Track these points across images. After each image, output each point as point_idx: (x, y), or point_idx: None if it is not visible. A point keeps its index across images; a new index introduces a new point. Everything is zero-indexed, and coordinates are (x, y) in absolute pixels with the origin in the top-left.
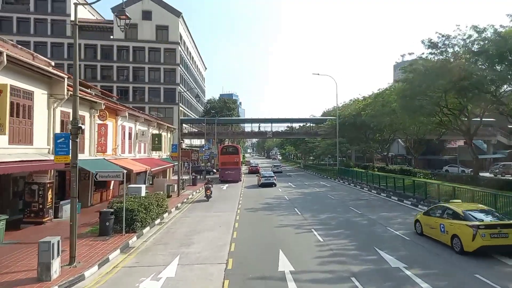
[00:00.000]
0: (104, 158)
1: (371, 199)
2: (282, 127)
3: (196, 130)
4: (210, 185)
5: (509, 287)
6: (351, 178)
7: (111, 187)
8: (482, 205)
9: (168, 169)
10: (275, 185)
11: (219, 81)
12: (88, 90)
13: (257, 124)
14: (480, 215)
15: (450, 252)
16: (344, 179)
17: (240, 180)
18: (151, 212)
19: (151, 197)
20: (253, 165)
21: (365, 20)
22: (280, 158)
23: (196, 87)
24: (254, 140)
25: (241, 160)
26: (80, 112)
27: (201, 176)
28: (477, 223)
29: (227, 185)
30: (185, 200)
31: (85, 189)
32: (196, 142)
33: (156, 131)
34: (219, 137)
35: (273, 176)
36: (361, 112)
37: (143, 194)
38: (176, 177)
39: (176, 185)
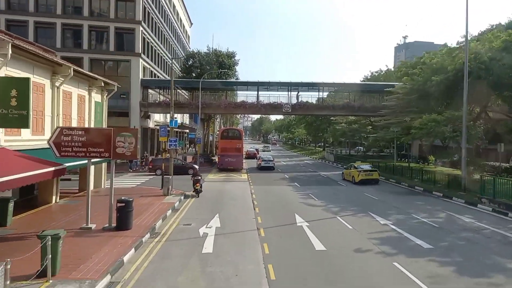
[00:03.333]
0: None
1: None
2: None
3: (168, 100)
4: (199, 177)
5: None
6: None
7: None
8: (367, 163)
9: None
10: (274, 169)
11: (207, 39)
12: None
13: (267, 94)
14: (363, 167)
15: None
16: None
17: (242, 168)
18: None
19: None
20: (251, 149)
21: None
22: (283, 143)
23: (173, 40)
24: (248, 121)
25: (244, 145)
26: None
27: (163, 186)
28: (360, 169)
29: (221, 215)
30: None
31: None
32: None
33: (15, 72)
34: (206, 111)
35: (272, 160)
36: None
37: None
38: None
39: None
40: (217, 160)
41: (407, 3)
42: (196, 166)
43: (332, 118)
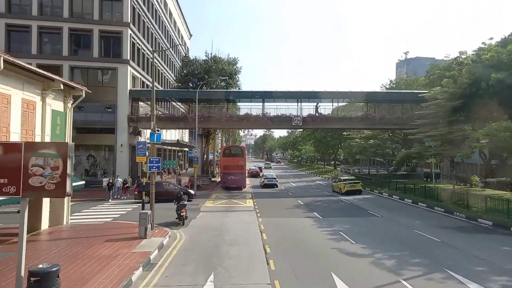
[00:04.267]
0: None
1: None
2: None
3: (161, 113)
4: (184, 202)
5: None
6: None
7: None
8: (352, 176)
9: None
10: (277, 186)
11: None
12: None
13: (274, 106)
14: (348, 180)
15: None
16: None
17: (245, 187)
18: None
19: None
20: (254, 168)
21: (365, 17)
22: (288, 161)
23: (170, 49)
24: (251, 139)
25: (246, 163)
26: None
27: (140, 224)
28: (346, 182)
29: (217, 277)
30: None
31: None
32: (171, 135)
33: None
34: (204, 126)
35: (275, 178)
36: None
37: None
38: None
39: None
40: (219, 178)
41: (407, 17)
42: (192, 191)
43: (344, 133)
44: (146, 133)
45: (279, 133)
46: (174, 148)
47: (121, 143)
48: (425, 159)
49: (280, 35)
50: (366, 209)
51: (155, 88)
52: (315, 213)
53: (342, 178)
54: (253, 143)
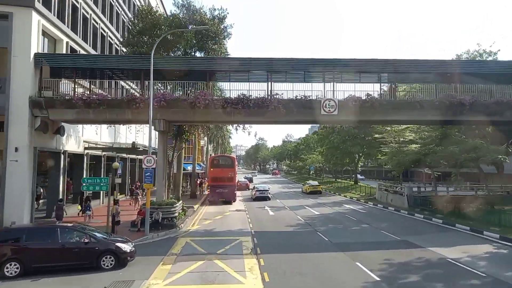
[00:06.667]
0: None
1: None
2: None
3: (86, 95)
4: None
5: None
6: None
7: None
8: (316, 181)
9: None
10: (270, 199)
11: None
12: None
13: (286, 88)
14: (312, 183)
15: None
16: None
17: (235, 200)
18: None
19: None
20: (243, 180)
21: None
22: (285, 172)
23: (123, 8)
24: (240, 147)
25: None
26: None
27: None
28: (309, 185)
29: None
30: None
31: None
32: (133, 135)
33: None
34: (168, 116)
35: (267, 190)
36: None
37: None
38: None
39: None
40: (207, 192)
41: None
42: (127, 247)
43: (376, 135)
44: (83, 131)
45: (273, 142)
46: (138, 156)
47: (16, 145)
48: None
49: (271, 33)
50: None
51: (83, 53)
52: None
53: (307, 182)
54: (244, 153)
